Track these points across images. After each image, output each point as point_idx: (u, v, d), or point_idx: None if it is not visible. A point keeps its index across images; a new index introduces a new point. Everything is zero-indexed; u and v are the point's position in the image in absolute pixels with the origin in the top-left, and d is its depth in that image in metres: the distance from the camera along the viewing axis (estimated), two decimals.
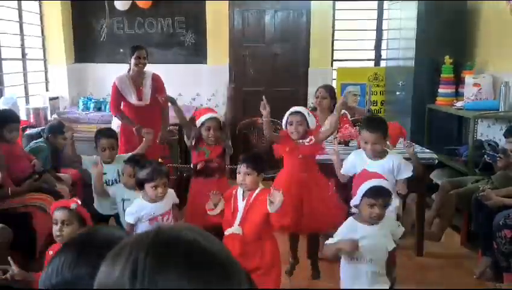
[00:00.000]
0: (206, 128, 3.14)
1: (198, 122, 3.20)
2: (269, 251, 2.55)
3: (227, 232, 2.55)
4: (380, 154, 2.72)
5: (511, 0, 4.15)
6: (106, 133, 3.23)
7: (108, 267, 0.59)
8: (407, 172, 2.71)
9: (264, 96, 3.12)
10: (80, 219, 2.23)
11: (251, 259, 2.48)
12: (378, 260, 2.26)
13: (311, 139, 2.98)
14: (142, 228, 2.56)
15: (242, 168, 2.54)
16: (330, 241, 2.29)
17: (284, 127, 3.07)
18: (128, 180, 2.85)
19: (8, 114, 3.52)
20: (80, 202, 2.27)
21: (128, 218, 2.61)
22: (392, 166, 2.69)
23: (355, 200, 2.30)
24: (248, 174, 2.53)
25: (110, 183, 3.12)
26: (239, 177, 2.56)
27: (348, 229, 2.29)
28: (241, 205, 2.57)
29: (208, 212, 2.63)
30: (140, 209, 2.59)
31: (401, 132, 3.29)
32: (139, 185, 2.61)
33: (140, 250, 0.58)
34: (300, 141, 2.97)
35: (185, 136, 3.33)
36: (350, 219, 2.36)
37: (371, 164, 2.69)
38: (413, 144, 3.11)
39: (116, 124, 4.54)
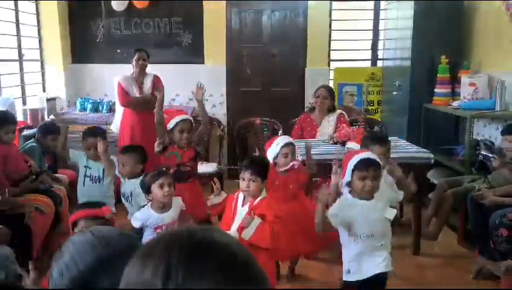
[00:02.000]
0: (179, 131, 3.11)
1: (169, 125, 3.16)
2: (263, 261, 2.52)
3: None
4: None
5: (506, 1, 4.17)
6: (91, 132, 3.35)
7: (139, 266, 0.58)
8: (399, 196, 2.54)
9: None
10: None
11: None
12: (378, 233, 2.26)
13: (293, 165, 2.97)
14: (147, 235, 2.58)
15: (246, 175, 2.47)
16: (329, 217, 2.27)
17: (271, 157, 2.96)
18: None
19: (4, 115, 3.52)
20: (114, 210, 2.13)
21: (134, 223, 2.61)
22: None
23: (346, 178, 2.28)
24: (253, 181, 2.47)
25: (94, 180, 3.27)
26: (242, 184, 2.50)
27: (344, 205, 2.27)
28: (240, 210, 2.54)
29: (207, 202, 2.66)
30: (147, 218, 2.60)
31: None
32: (146, 190, 2.60)
33: (173, 251, 0.57)
34: (282, 169, 2.96)
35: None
36: (345, 195, 2.33)
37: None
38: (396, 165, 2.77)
39: (115, 125, 4.58)
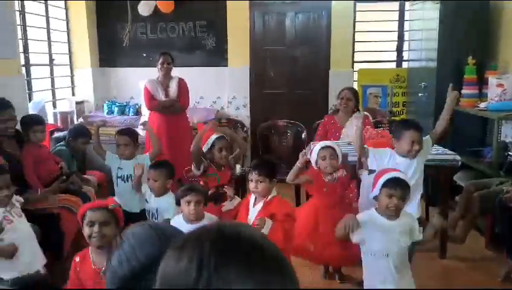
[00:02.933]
0: (217, 150, 3.18)
1: (206, 145, 3.22)
2: None
3: None
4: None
5: None
6: (123, 131, 3.49)
7: (175, 257, 0.64)
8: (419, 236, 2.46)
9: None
10: (116, 219, 2.15)
11: None
12: (394, 255, 2.29)
13: (342, 172, 2.97)
14: None
15: (254, 176, 2.54)
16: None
17: (313, 163, 3.00)
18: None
19: (33, 117, 3.66)
20: (118, 201, 2.24)
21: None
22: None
23: (374, 192, 2.34)
24: (260, 182, 2.54)
25: (125, 178, 3.31)
26: (251, 185, 2.57)
27: (367, 217, 2.33)
28: (252, 211, 2.60)
29: (222, 209, 2.70)
30: (178, 226, 2.61)
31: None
32: (177, 201, 2.68)
33: (205, 243, 0.63)
34: (329, 177, 2.93)
35: (193, 164, 3.27)
36: (371, 209, 2.39)
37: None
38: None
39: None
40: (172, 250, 0.66)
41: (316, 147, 3.00)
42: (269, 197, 2.57)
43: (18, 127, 3.74)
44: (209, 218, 2.67)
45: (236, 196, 2.89)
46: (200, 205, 2.58)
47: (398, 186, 2.26)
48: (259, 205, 2.58)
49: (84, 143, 3.91)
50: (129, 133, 3.45)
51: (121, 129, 3.63)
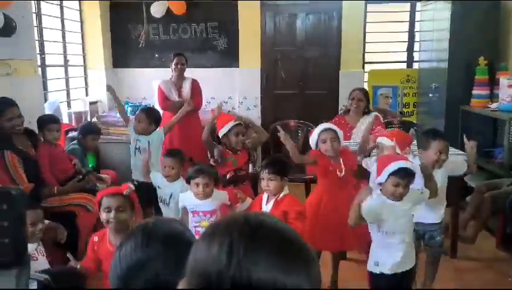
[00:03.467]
0: (234, 134, 3.25)
1: (223, 130, 3.29)
2: None
3: None
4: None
5: None
6: (142, 109, 3.95)
7: (205, 245, 0.69)
8: (425, 195, 2.54)
9: (278, 127, 3.12)
10: (132, 205, 2.26)
11: None
12: (403, 231, 2.36)
13: (344, 158, 2.91)
14: (189, 215, 2.76)
15: (265, 174, 2.56)
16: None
17: (313, 146, 2.97)
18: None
19: (47, 117, 3.74)
20: (132, 187, 2.32)
21: (179, 203, 2.83)
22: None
23: (381, 178, 2.33)
24: (271, 180, 2.55)
25: (139, 150, 3.73)
26: (263, 183, 2.60)
27: (373, 203, 2.34)
28: (265, 208, 2.63)
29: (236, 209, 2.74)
30: (185, 200, 2.78)
31: (407, 139, 3.24)
32: (187, 180, 2.78)
33: (234, 231, 0.68)
34: (337, 161, 2.88)
35: (208, 153, 3.43)
36: (375, 192, 2.39)
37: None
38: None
39: None
40: (202, 238, 0.71)
41: (316, 129, 2.94)
42: (281, 195, 2.60)
43: (33, 126, 3.84)
44: (219, 195, 2.77)
45: (248, 198, 2.92)
46: (209, 186, 2.68)
47: (405, 176, 2.27)
48: (271, 203, 2.61)
49: (94, 140, 3.99)
50: (147, 111, 3.83)
51: (143, 108, 4.02)
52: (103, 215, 2.22)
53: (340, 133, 2.92)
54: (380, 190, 2.39)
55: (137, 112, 3.88)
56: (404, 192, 2.31)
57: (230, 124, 3.28)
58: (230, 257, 0.65)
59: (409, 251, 2.40)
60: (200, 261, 0.68)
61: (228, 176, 3.24)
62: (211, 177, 2.70)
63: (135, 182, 3.58)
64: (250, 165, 3.62)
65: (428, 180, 2.56)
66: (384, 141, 3.00)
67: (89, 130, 4.02)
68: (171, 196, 3.10)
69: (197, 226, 2.76)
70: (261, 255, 0.65)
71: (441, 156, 2.73)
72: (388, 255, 2.37)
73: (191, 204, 2.75)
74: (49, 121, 3.58)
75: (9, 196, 1.19)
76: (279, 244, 0.68)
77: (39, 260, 2.43)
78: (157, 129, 3.83)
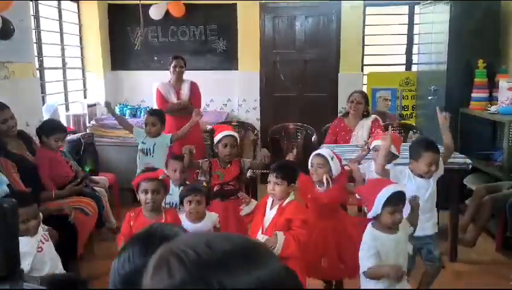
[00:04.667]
0: (222, 145, 3.18)
1: (215, 139, 3.27)
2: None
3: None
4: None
5: None
6: (150, 111, 4.09)
7: (155, 270, 0.65)
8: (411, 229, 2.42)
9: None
10: (165, 188, 2.57)
11: None
12: (402, 264, 2.25)
13: (330, 185, 2.77)
14: None
15: (272, 178, 2.52)
16: (364, 266, 2.21)
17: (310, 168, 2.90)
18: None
19: (55, 124, 3.72)
20: (167, 172, 2.68)
21: None
22: None
23: (374, 211, 2.19)
24: (278, 184, 2.50)
25: (145, 151, 3.86)
26: (269, 187, 2.55)
27: (373, 241, 2.22)
28: (269, 213, 2.59)
29: (241, 213, 2.72)
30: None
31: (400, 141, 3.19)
32: (180, 199, 2.78)
33: (187, 256, 0.63)
34: (320, 188, 2.81)
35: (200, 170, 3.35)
36: (369, 228, 2.27)
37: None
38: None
39: None
40: (153, 262, 0.67)
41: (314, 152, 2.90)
42: (286, 201, 2.54)
43: (31, 129, 3.83)
44: (210, 217, 2.77)
45: (253, 199, 2.89)
46: (201, 205, 2.69)
47: (400, 200, 2.18)
48: (276, 208, 2.56)
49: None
50: (157, 113, 3.95)
51: (151, 111, 4.11)
52: (141, 197, 2.53)
53: (334, 162, 2.77)
54: (372, 224, 2.26)
55: (147, 116, 3.98)
56: (401, 218, 2.20)
57: (221, 134, 3.22)
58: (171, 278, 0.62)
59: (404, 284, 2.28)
60: (147, 284, 0.66)
61: (215, 189, 3.18)
62: (203, 196, 2.71)
63: None
64: (249, 170, 3.56)
65: (414, 212, 2.45)
66: (379, 143, 2.98)
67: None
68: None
69: None
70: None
71: (431, 167, 2.69)
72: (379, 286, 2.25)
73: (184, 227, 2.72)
74: (57, 130, 3.54)
75: (1, 209, 1.16)
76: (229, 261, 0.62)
77: (45, 250, 2.44)
78: (163, 132, 3.96)
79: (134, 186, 2.58)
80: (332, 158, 2.77)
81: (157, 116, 3.89)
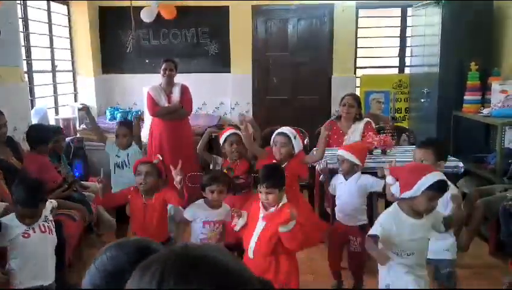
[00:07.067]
0: (229, 144, 3.30)
1: (220, 141, 3.38)
2: (285, 267, 2.49)
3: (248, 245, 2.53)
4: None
5: None
6: (121, 122, 3.95)
7: (138, 276, 0.67)
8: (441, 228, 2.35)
9: (240, 114, 3.32)
10: (158, 172, 2.81)
11: (266, 275, 2.41)
12: (419, 252, 2.23)
13: (290, 163, 2.97)
14: (196, 227, 2.83)
15: (262, 189, 2.49)
16: (372, 230, 2.22)
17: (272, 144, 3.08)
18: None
19: (53, 128, 3.83)
20: (161, 158, 2.89)
21: (186, 215, 2.85)
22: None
23: (413, 192, 2.13)
24: (269, 193, 2.48)
25: (120, 165, 3.66)
26: (261, 196, 2.52)
27: (392, 219, 2.21)
28: (260, 221, 2.54)
29: (234, 228, 2.67)
30: (198, 210, 2.84)
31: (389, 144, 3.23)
32: (202, 187, 2.85)
33: (167, 263, 0.65)
34: (283, 163, 2.94)
35: (211, 165, 3.50)
36: (394, 207, 2.25)
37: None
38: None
39: (144, 134, 4.69)
40: (137, 270, 0.69)
41: (276, 130, 3.04)
42: (279, 205, 2.51)
43: (19, 133, 3.77)
44: (225, 207, 2.87)
45: (245, 211, 2.84)
46: (222, 193, 2.82)
47: (441, 190, 2.15)
48: (270, 211, 2.52)
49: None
50: (127, 124, 3.83)
51: (120, 121, 4.05)
52: (137, 179, 2.81)
53: (297, 141, 2.97)
54: (398, 203, 2.23)
55: (117, 127, 3.77)
56: (435, 206, 2.19)
57: (226, 133, 3.35)
58: (161, 286, 0.62)
59: (421, 276, 2.23)
60: None
61: None
62: (224, 185, 2.82)
63: None
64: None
65: (458, 208, 2.47)
66: (343, 153, 2.98)
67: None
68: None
69: (204, 238, 2.80)
70: (192, 285, 0.62)
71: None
72: (403, 278, 2.20)
73: (203, 215, 2.80)
74: (55, 133, 3.73)
75: None
76: (214, 277, 0.64)
77: (32, 238, 2.52)
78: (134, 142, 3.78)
79: (134, 170, 2.89)
80: (295, 137, 2.95)
81: (127, 127, 3.76)
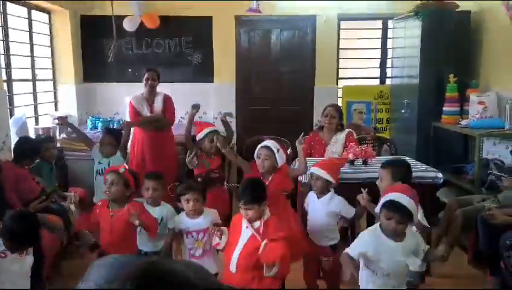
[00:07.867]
0: (209, 140, 3.55)
1: (199, 135, 3.60)
2: (268, 283, 2.43)
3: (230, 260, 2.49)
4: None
5: (510, 10, 4.17)
6: (108, 130, 4.09)
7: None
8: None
9: (216, 137, 3.46)
10: (125, 182, 2.75)
11: (250, 286, 2.40)
12: (396, 275, 2.23)
13: (274, 176, 2.96)
14: (184, 239, 2.84)
15: (242, 205, 2.44)
16: (350, 248, 2.24)
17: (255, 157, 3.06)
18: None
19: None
20: (127, 167, 2.87)
21: (169, 224, 2.89)
22: None
23: (377, 208, 2.27)
24: (249, 209, 2.44)
25: (101, 172, 3.73)
26: (242, 212, 2.48)
27: (370, 239, 2.23)
28: (245, 232, 2.49)
29: (218, 247, 2.64)
30: (179, 222, 2.83)
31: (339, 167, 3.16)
32: (177, 198, 2.85)
33: (132, 278, 0.66)
34: (266, 177, 2.95)
35: (187, 155, 3.64)
36: (376, 227, 2.28)
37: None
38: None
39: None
40: (105, 282, 0.72)
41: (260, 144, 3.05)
42: (264, 217, 2.47)
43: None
44: (210, 213, 2.87)
45: (225, 228, 2.79)
46: (198, 202, 2.79)
47: (395, 210, 2.15)
48: (251, 229, 2.48)
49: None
50: (114, 133, 3.96)
51: (106, 128, 4.16)
52: (103, 188, 2.79)
53: (280, 154, 2.97)
54: (380, 224, 2.27)
55: (103, 135, 3.88)
56: (398, 229, 2.16)
57: (206, 130, 3.59)
58: None
59: None
60: None
61: (199, 178, 3.52)
62: (200, 193, 2.80)
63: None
64: (225, 182, 3.63)
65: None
66: (315, 171, 2.95)
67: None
68: (162, 219, 2.97)
69: (191, 249, 2.80)
70: None
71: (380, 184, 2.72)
72: None
73: (185, 225, 2.80)
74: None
75: None
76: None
77: (8, 259, 2.42)
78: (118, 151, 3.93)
79: (105, 178, 2.86)
80: (278, 150, 2.97)
81: (113, 135, 3.90)
